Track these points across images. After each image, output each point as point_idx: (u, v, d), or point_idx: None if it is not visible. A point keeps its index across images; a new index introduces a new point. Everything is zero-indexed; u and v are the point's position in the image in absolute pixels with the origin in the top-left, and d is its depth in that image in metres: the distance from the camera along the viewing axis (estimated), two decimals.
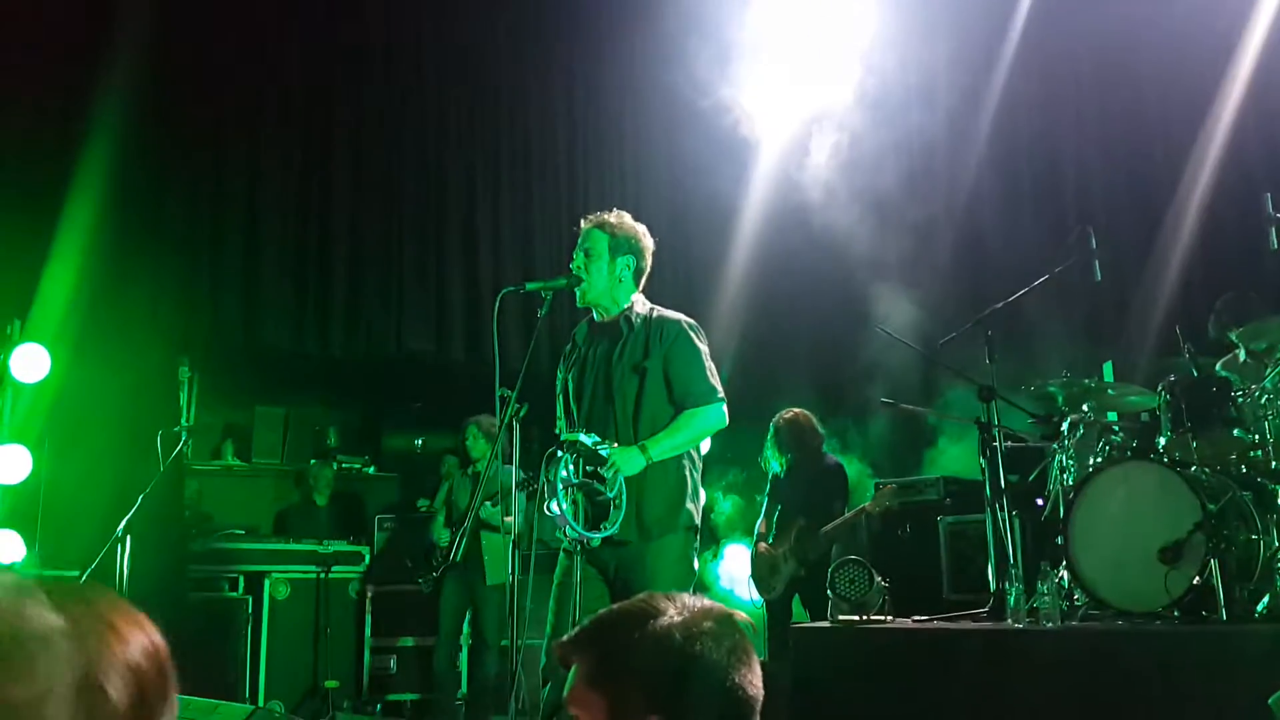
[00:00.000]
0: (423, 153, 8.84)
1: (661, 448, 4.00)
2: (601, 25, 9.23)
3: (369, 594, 8.23)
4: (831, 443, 7.57)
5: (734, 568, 8.26)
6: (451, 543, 7.21)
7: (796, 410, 7.26)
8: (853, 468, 7.64)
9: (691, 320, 4.28)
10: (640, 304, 4.28)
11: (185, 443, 6.43)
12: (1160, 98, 8.28)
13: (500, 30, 9.00)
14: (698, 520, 4.16)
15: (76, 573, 5.88)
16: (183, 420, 8.14)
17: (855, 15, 8.42)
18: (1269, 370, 5.00)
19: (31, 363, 6.97)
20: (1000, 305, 5.78)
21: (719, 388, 4.18)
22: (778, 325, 9.02)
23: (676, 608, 1.70)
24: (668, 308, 4.34)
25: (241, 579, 7.98)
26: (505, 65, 9.10)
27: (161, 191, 8.03)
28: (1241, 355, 5.82)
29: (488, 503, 6.91)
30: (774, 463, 7.18)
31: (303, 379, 9.57)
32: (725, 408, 4.18)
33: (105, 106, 7.29)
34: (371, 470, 10.30)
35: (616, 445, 3.97)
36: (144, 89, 7.47)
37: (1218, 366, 5.87)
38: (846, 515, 6.86)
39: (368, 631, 8.12)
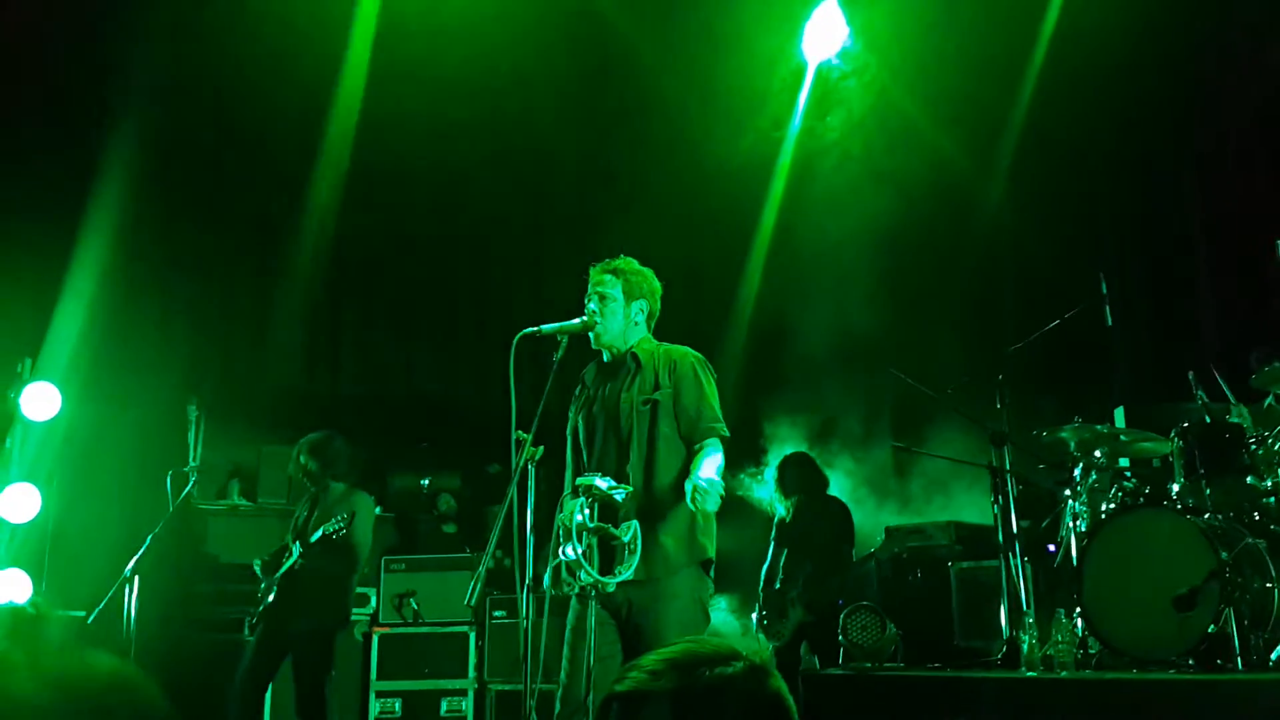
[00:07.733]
0: (435, 192, 8.89)
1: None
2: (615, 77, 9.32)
3: (374, 637, 8.15)
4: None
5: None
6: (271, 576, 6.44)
7: (799, 452, 7.21)
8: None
9: (699, 354, 4.27)
10: (647, 341, 4.27)
11: (193, 483, 6.41)
12: (1165, 142, 8.29)
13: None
14: (712, 553, 4.10)
15: (83, 613, 5.85)
16: (191, 460, 8.14)
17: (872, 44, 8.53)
18: None
19: (42, 401, 6.98)
20: (1012, 349, 5.75)
21: (723, 423, 4.14)
22: (783, 362, 9.02)
23: (740, 657, 1.65)
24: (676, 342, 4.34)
25: (247, 620, 7.91)
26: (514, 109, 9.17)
27: (173, 231, 8.08)
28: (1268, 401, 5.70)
29: (332, 535, 6.20)
30: (779, 506, 7.10)
31: (310, 418, 9.53)
32: (724, 444, 4.12)
33: (117, 147, 7.36)
34: (378, 511, 10.21)
35: (629, 486, 3.94)
36: (156, 129, 7.54)
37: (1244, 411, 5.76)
38: (855, 561, 6.80)
39: (373, 674, 8.04)
